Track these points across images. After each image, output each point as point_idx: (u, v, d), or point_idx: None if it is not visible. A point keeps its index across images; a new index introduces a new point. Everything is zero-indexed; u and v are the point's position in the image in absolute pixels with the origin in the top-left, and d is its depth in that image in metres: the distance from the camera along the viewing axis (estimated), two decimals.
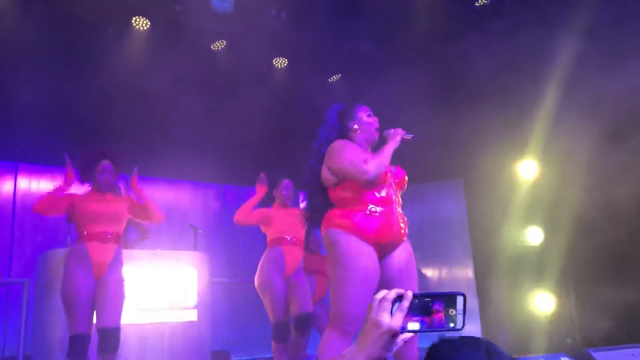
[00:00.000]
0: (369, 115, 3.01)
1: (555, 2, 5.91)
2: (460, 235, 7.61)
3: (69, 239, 4.43)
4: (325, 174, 2.82)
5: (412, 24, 6.67)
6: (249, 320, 6.78)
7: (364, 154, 2.80)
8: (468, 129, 6.34)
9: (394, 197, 2.80)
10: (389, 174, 2.82)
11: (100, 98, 6.23)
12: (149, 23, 6.57)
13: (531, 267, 6.03)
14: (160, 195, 6.80)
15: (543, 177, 6.08)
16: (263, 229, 4.55)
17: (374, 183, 2.71)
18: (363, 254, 2.65)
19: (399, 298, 1.15)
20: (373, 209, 2.71)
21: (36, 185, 6.33)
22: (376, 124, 2.99)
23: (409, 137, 2.91)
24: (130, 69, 6.37)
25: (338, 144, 2.83)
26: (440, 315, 1.13)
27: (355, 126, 2.96)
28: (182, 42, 6.45)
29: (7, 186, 6.14)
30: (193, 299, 5.04)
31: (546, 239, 6.02)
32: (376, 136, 2.96)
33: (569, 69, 5.53)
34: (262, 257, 4.45)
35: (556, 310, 5.93)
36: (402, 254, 2.79)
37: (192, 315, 5.01)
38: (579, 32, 5.40)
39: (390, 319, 1.13)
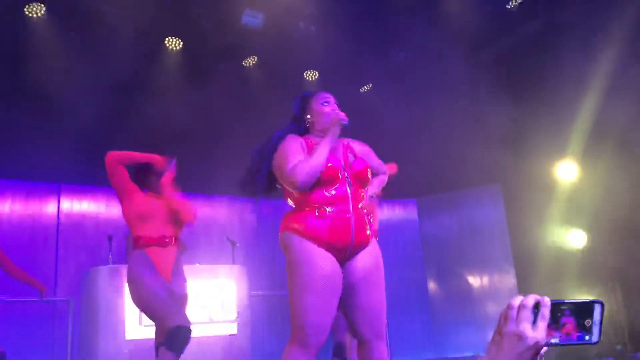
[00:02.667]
0: (322, 104, 2.63)
1: (595, 5, 5.76)
2: (500, 241, 7.48)
3: (110, 256, 4.54)
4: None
5: (442, 29, 6.62)
6: (288, 332, 6.76)
7: (298, 156, 2.44)
8: (504, 132, 6.25)
9: (349, 194, 2.46)
10: (339, 170, 2.47)
11: (139, 119, 6.37)
12: (181, 43, 6.73)
13: (575, 272, 5.88)
14: (198, 211, 6.89)
15: (584, 178, 5.94)
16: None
17: (310, 186, 2.38)
18: (318, 259, 2.36)
19: (536, 305, 0.99)
20: (322, 210, 2.41)
21: (78, 205, 6.51)
22: (331, 113, 2.58)
23: (344, 122, 2.51)
24: (166, 89, 6.52)
25: (282, 143, 2.52)
26: (573, 325, 1.00)
27: (309, 117, 2.63)
28: (214, 59, 6.57)
29: (51, 206, 6.33)
30: (233, 312, 5.08)
31: (590, 242, 5.86)
32: (330, 135, 2.51)
33: (612, 70, 5.40)
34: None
35: (604, 316, 5.74)
36: (366, 258, 2.48)
37: (232, 329, 5.05)
38: (622, 34, 5.27)
39: (533, 330, 0.98)
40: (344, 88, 7.40)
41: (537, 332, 0.97)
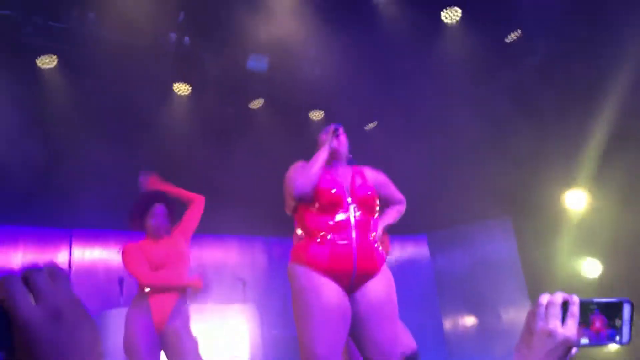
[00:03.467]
0: (324, 133, 2.69)
1: (598, 36, 5.83)
2: (514, 275, 7.38)
3: (121, 299, 4.53)
4: None
5: (446, 65, 6.73)
6: None
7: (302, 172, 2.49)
8: (512, 164, 6.27)
9: (351, 221, 2.40)
10: (343, 197, 2.44)
11: (149, 164, 6.44)
12: (190, 88, 6.88)
13: None
14: (209, 251, 6.93)
15: (595, 206, 5.90)
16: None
17: (324, 206, 2.39)
18: (321, 287, 2.30)
19: (564, 303, 0.98)
20: (323, 237, 2.36)
21: (90, 253, 6.55)
22: (334, 125, 2.64)
23: (335, 134, 2.55)
24: (175, 133, 6.63)
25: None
26: (602, 325, 0.98)
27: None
28: (221, 102, 6.69)
29: (63, 251, 6.37)
30: (245, 352, 5.01)
31: (605, 271, 5.78)
32: (332, 137, 2.57)
33: (620, 97, 5.42)
34: None
35: (622, 348, 5.61)
36: (376, 288, 2.38)
37: None
38: (628, 63, 5.31)
39: (563, 327, 0.96)
40: (350, 127, 7.48)
41: (567, 329, 0.95)
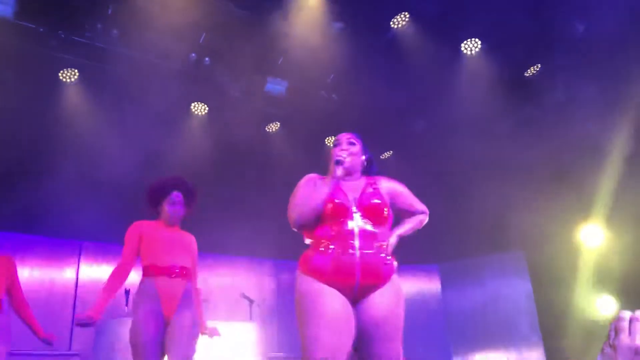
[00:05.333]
0: (335, 146, 2.61)
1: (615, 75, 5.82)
2: (526, 311, 7.22)
3: (126, 309, 4.49)
4: None
5: (464, 97, 6.74)
6: None
7: (304, 194, 2.42)
8: (525, 198, 6.20)
9: (356, 230, 2.32)
10: (346, 206, 2.36)
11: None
12: (207, 108, 6.94)
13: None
14: (217, 270, 6.92)
15: (610, 243, 5.79)
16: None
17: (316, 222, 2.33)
18: (323, 296, 2.22)
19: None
20: (326, 246, 2.30)
21: (97, 269, 6.53)
22: (337, 155, 2.51)
23: (338, 164, 2.43)
24: (190, 154, 6.67)
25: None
26: None
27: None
28: (237, 124, 6.73)
29: (71, 263, 6.37)
30: None
31: (621, 310, 5.63)
32: (329, 176, 2.44)
33: (635, 132, 5.39)
34: None
35: None
36: (381, 301, 2.27)
37: None
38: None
39: None
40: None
41: None
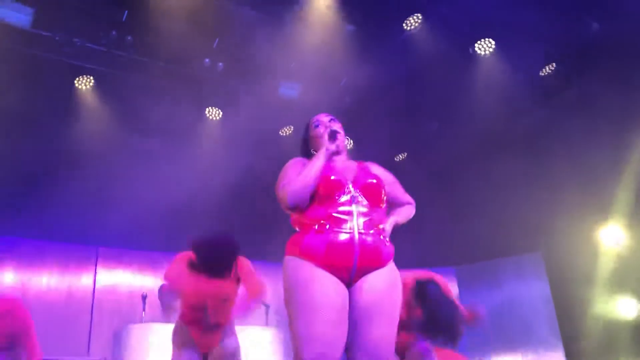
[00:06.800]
0: (314, 128, 2.43)
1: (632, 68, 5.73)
2: (545, 313, 7.13)
3: (144, 314, 4.51)
4: None
5: (476, 100, 6.69)
6: None
7: (294, 175, 2.22)
8: (542, 198, 6.13)
9: (355, 210, 2.15)
10: (343, 184, 2.20)
11: (174, 190, 6.47)
12: (220, 113, 6.96)
13: (627, 342, 5.52)
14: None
15: (631, 243, 5.70)
16: None
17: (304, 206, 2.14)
18: (317, 280, 2.04)
19: None
20: (321, 225, 2.11)
21: (114, 277, 6.58)
22: (319, 136, 2.37)
23: (333, 138, 2.29)
24: (207, 160, 6.70)
25: (283, 167, 2.33)
26: None
27: (312, 150, 2.42)
28: (250, 128, 6.74)
29: (89, 270, 6.41)
30: None
31: None
32: (322, 148, 2.29)
33: None
34: None
35: None
36: (377, 283, 2.11)
37: None
38: None
39: None
40: (379, 157, 7.45)
41: None
